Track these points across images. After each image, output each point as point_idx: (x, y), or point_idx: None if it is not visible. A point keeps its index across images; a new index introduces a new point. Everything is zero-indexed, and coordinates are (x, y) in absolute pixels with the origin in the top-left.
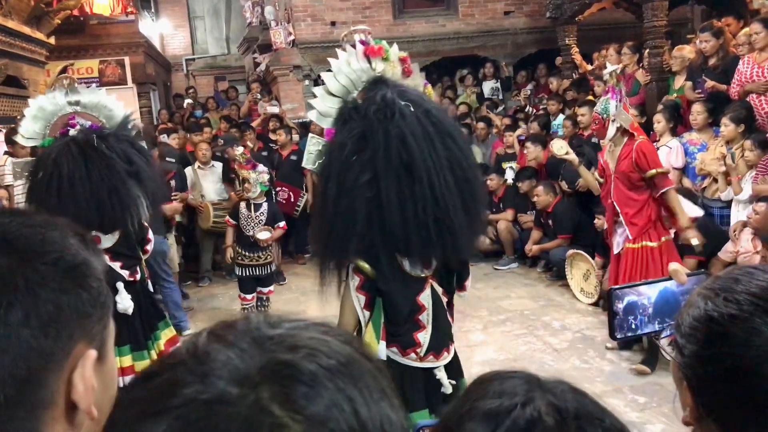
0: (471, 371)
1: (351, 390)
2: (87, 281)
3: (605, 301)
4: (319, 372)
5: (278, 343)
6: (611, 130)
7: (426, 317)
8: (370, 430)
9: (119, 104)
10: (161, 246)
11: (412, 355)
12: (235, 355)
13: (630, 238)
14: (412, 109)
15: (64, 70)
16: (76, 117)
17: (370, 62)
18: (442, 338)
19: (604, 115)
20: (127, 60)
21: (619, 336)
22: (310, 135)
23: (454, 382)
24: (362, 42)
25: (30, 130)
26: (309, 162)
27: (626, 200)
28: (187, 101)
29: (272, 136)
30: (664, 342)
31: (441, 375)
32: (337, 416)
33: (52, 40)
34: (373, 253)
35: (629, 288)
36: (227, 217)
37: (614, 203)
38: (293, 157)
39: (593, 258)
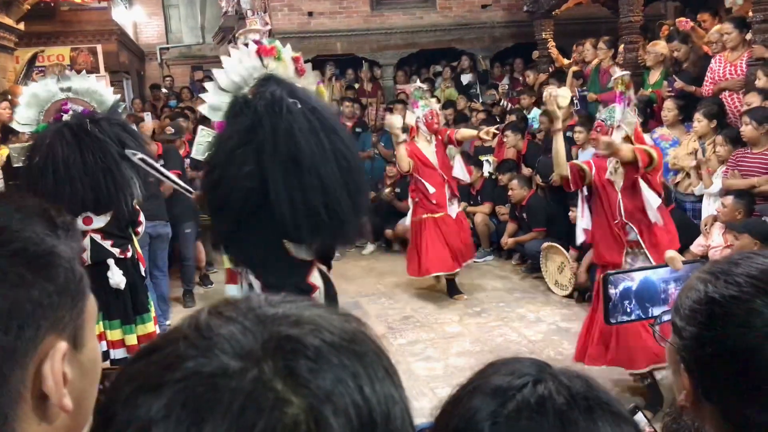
0: (447, 362)
1: (355, 366)
2: (53, 271)
3: (580, 294)
4: (324, 347)
5: (281, 319)
6: (616, 139)
7: (319, 295)
8: (374, 407)
9: (109, 90)
10: (164, 229)
11: None
12: (238, 331)
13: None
14: (299, 106)
15: (34, 57)
16: (69, 103)
17: (262, 61)
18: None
19: (609, 122)
20: (99, 48)
21: (613, 321)
22: (200, 127)
23: None
24: (256, 41)
25: (24, 116)
26: (199, 153)
27: (640, 216)
28: (164, 90)
29: None
30: (657, 329)
31: None
32: (342, 392)
33: (21, 26)
34: (256, 244)
35: (624, 273)
36: None
37: (627, 223)
38: None
39: (567, 251)
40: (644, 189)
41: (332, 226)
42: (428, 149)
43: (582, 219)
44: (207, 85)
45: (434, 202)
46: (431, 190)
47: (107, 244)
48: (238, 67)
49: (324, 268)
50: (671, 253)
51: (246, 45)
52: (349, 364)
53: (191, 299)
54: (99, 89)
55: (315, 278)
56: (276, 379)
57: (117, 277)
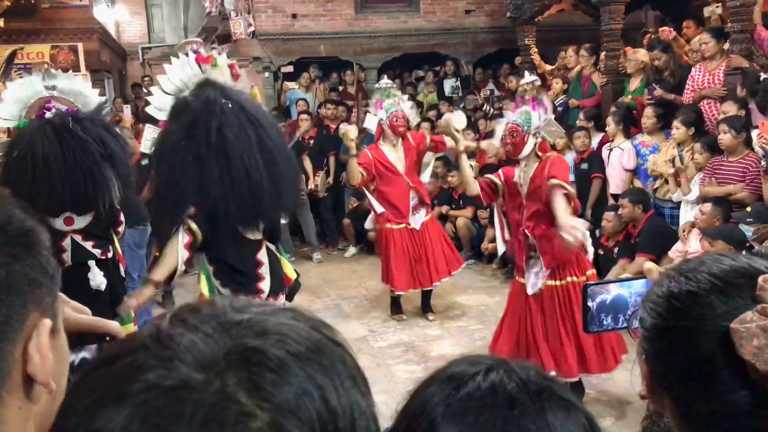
0: (427, 365)
1: (321, 377)
2: (36, 248)
3: None
4: (288, 359)
5: (246, 328)
6: (528, 146)
7: (265, 270)
8: (340, 417)
9: (95, 91)
10: (142, 235)
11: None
12: (200, 340)
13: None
14: (230, 106)
15: (13, 54)
16: (52, 101)
17: (200, 68)
18: (279, 284)
19: (525, 127)
20: (80, 46)
21: (592, 331)
22: (147, 125)
23: None
24: (195, 51)
25: (6, 111)
26: (146, 147)
27: (540, 222)
28: (143, 90)
29: None
30: (633, 326)
31: (301, 299)
32: (306, 404)
33: (0, 23)
34: (211, 223)
35: (601, 286)
36: None
37: (527, 233)
38: None
39: None
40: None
41: (255, 210)
42: (393, 154)
43: (499, 230)
44: (153, 88)
45: (395, 210)
46: (379, 209)
47: (88, 245)
48: (179, 72)
49: (272, 246)
50: (649, 265)
51: (186, 55)
52: (314, 375)
53: (170, 301)
54: (84, 90)
55: (262, 255)
56: (240, 391)
57: (98, 278)
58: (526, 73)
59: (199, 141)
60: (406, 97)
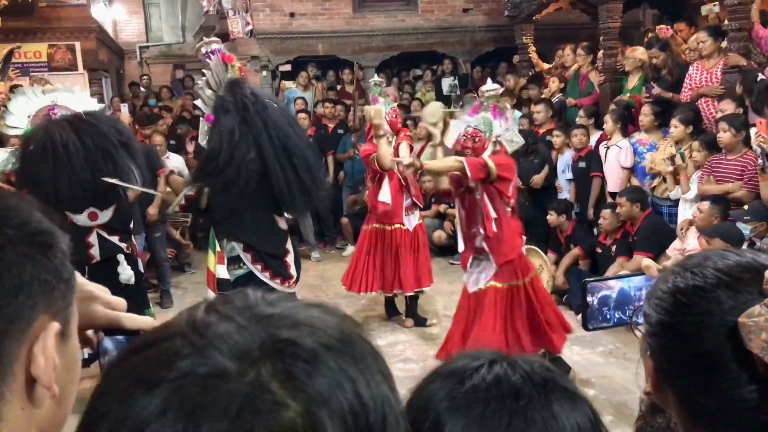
0: (426, 363)
1: (352, 370)
2: (52, 251)
3: (558, 296)
4: (321, 350)
5: (279, 320)
6: (487, 153)
7: (291, 258)
8: (371, 411)
9: (93, 100)
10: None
11: (287, 284)
12: (235, 330)
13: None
14: (275, 105)
15: (10, 53)
16: (56, 108)
17: (226, 67)
18: (299, 272)
19: (486, 134)
20: (77, 45)
21: (591, 327)
22: (202, 119)
23: None
24: (219, 51)
25: (13, 121)
26: (202, 139)
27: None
28: (142, 90)
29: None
30: (636, 321)
31: (300, 297)
32: (339, 396)
33: None
34: (250, 216)
35: (601, 282)
36: None
37: (481, 230)
38: None
39: (546, 254)
40: (486, 200)
41: (315, 196)
42: (389, 150)
43: (461, 226)
44: (200, 81)
45: (388, 210)
46: (386, 198)
47: (114, 239)
48: (218, 69)
49: (294, 238)
50: (647, 262)
51: (208, 53)
52: (346, 367)
53: (168, 299)
54: (84, 100)
55: (289, 245)
56: (273, 382)
57: (128, 272)
58: (489, 80)
59: (257, 136)
60: (391, 97)
